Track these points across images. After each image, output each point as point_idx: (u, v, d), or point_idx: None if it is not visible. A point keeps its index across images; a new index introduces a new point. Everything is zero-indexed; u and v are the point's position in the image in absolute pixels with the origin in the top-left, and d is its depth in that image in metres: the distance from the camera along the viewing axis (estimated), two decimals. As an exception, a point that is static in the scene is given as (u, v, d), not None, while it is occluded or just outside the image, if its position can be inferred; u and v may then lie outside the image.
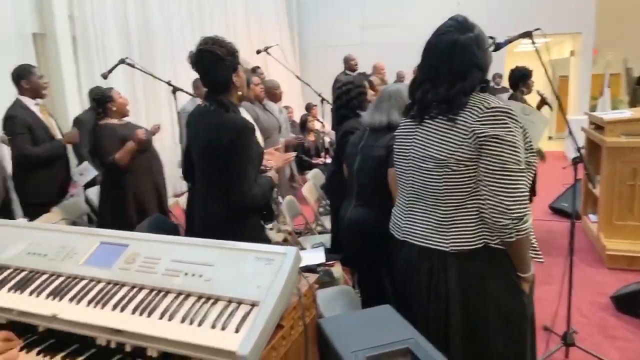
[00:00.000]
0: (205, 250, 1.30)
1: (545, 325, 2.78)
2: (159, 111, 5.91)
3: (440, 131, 1.55)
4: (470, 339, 1.54)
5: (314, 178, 4.13)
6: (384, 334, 1.14)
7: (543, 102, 4.41)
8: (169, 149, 5.52)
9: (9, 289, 1.33)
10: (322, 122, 6.70)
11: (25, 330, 1.31)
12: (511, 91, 4.29)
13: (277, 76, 5.67)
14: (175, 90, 3.12)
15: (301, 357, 1.29)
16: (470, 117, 1.49)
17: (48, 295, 1.28)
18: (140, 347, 1.15)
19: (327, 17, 10.08)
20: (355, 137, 2.42)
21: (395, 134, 1.78)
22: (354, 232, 2.30)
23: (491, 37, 1.65)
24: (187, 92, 3.30)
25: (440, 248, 1.55)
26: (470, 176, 1.51)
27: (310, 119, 6.89)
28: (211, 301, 1.17)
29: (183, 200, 3.41)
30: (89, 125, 3.69)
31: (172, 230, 2.78)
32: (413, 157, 1.64)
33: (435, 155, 1.54)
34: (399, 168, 1.73)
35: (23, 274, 1.38)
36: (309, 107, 7.42)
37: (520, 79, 4.18)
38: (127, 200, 3.29)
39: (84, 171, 3.47)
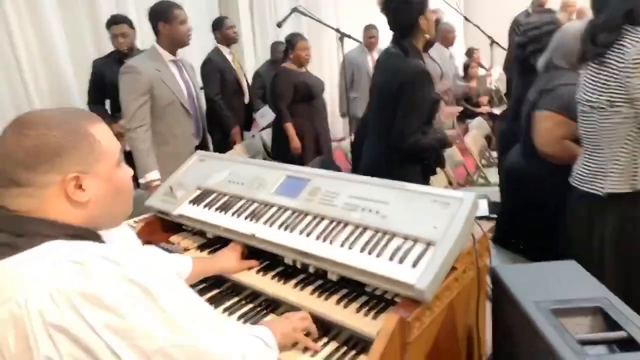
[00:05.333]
0: (380, 188, 1.36)
1: None
2: (322, 58, 6.12)
3: (592, 74, 1.57)
4: (625, 288, 1.52)
5: (478, 128, 3.93)
6: (569, 289, 1.08)
7: None
8: (332, 96, 5.74)
9: (216, 209, 1.57)
10: (486, 68, 6.23)
11: (226, 245, 1.55)
12: None
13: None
14: (342, 37, 3.19)
15: (472, 301, 1.30)
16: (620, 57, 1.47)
17: (246, 217, 1.48)
18: (323, 269, 1.29)
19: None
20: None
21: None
22: (511, 180, 2.30)
23: None
24: (354, 39, 3.36)
25: (597, 192, 1.60)
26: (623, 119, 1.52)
27: (473, 64, 6.45)
28: (387, 236, 1.23)
29: (345, 145, 3.57)
30: (267, 77, 4.05)
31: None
32: (579, 103, 1.68)
33: (588, 99, 1.59)
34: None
35: (225, 198, 1.61)
36: (470, 52, 6.92)
37: None
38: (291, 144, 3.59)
39: (264, 114, 3.83)
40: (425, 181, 2.08)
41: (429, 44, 2.15)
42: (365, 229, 1.27)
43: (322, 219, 1.36)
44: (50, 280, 0.71)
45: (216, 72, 3.64)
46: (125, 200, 0.92)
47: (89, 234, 0.84)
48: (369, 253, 1.19)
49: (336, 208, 1.36)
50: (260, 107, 4.08)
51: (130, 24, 3.35)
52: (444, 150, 2.11)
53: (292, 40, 3.47)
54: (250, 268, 1.41)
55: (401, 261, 1.14)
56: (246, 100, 4.02)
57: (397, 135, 1.95)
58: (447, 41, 4.31)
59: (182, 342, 0.76)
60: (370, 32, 4.72)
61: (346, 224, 1.31)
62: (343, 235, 1.28)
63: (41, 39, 3.67)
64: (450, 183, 3.06)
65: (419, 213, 1.24)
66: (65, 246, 0.77)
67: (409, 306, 1.09)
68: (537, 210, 2.10)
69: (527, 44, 2.39)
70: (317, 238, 1.30)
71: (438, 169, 2.30)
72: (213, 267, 1.40)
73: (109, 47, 3.46)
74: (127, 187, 0.91)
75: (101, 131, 0.86)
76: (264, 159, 3.96)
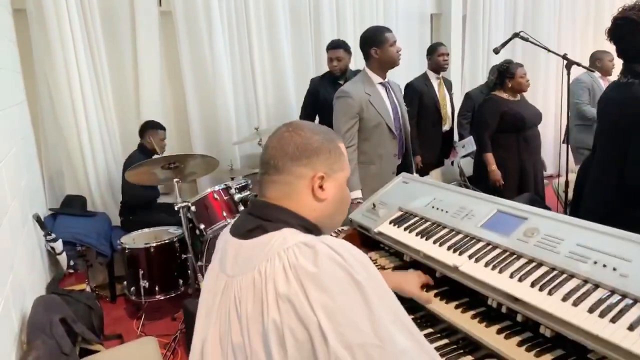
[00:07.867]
0: (621, 241, 1.15)
1: None
2: (537, 86, 5.64)
3: None
4: None
5: None
6: None
7: None
8: (551, 127, 5.28)
9: (417, 234, 1.54)
10: None
11: (425, 272, 1.50)
12: None
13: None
14: (569, 64, 2.86)
15: None
16: None
17: (449, 247, 1.41)
18: (534, 321, 1.14)
19: None
20: None
21: None
22: None
23: None
24: (582, 66, 2.99)
25: None
26: None
27: None
28: (627, 300, 1.02)
29: (555, 182, 3.20)
30: (477, 100, 3.90)
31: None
32: None
33: None
34: None
35: (427, 223, 1.57)
36: None
37: None
38: (490, 175, 3.36)
39: (466, 144, 3.71)
40: None
41: None
42: (596, 286, 1.08)
43: (540, 265, 1.21)
44: (285, 257, 0.83)
45: (415, 95, 3.64)
46: (345, 211, 1.05)
47: (317, 230, 0.97)
48: (601, 315, 1.01)
49: (559, 255, 1.19)
50: (463, 131, 3.95)
51: (346, 48, 3.60)
52: None
53: (511, 68, 3.27)
54: (427, 302, 1.35)
55: (647, 335, 0.93)
56: (445, 127, 3.96)
57: (634, 176, 1.66)
58: None
59: (384, 346, 0.77)
60: (608, 56, 4.16)
61: (571, 276, 1.14)
62: (567, 287, 1.11)
63: (273, 55, 4.23)
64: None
65: (675, 280, 1.00)
66: (300, 234, 0.90)
67: (652, 392, 0.89)
68: None
69: None
70: (533, 285, 1.15)
71: None
72: (389, 280, 1.37)
73: (326, 67, 3.78)
74: (348, 200, 1.06)
75: (344, 147, 1.03)
76: (460, 186, 3.82)
